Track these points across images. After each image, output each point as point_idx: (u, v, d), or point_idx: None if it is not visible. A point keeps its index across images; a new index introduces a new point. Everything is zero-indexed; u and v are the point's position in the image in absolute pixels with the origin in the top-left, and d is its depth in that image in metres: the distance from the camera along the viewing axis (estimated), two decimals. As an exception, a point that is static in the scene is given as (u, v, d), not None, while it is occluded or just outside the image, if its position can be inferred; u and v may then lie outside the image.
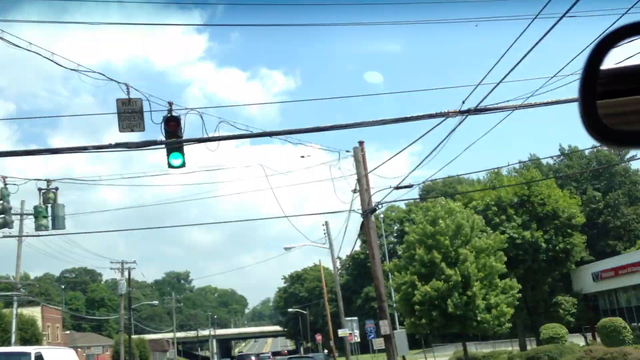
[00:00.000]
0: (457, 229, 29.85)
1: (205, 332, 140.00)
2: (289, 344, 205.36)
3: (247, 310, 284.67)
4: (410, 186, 22.21)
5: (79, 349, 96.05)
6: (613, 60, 1.69)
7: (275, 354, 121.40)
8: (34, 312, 58.64)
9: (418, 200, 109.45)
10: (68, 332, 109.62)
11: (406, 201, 68.19)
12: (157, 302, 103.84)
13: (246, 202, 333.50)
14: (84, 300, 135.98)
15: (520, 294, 32.31)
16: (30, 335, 49.18)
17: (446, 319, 30.21)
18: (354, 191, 24.34)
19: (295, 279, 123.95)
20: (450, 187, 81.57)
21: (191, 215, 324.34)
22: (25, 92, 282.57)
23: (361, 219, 25.39)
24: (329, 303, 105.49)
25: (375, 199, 23.61)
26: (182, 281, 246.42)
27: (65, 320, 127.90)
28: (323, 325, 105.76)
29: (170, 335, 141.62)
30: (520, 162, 59.39)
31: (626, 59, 1.72)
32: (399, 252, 33.97)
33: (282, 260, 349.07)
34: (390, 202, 22.14)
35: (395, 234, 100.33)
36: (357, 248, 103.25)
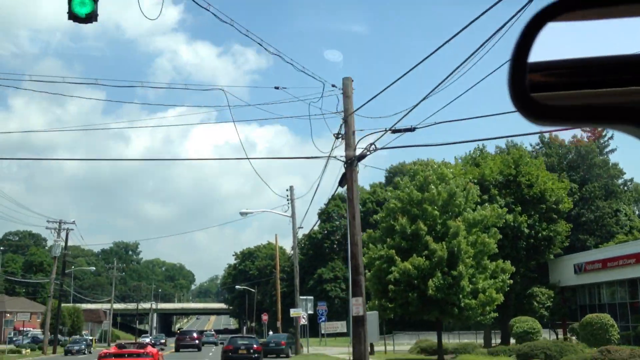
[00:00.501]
0: (449, 198, 25.05)
1: (147, 305, 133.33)
2: (232, 323, 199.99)
3: (193, 287, 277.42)
4: (411, 129, 17.17)
5: (7, 314, 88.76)
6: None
7: (219, 332, 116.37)
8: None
9: (384, 182, 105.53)
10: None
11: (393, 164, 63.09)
12: (94, 268, 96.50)
13: (206, 175, 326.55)
14: (21, 264, 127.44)
15: (508, 281, 27.66)
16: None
17: (424, 302, 25.49)
18: (337, 135, 19.23)
19: (247, 256, 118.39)
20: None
21: (148, 187, 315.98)
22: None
23: (335, 181, 20.30)
24: (282, 282, 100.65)
25: (360, 146, 18.57)
26: (130, 252, 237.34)
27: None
28: (271, 305, 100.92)
29: (108, 305, 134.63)
30: (506, 137, 55.06)
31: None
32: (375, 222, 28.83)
33: (235, 240, 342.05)
34: (382, 148, 16.94)
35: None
36: (316, 228, 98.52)
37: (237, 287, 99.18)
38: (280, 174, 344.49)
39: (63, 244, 60.33)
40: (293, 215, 39.42)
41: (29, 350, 59.56)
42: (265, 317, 73.20)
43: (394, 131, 17.48)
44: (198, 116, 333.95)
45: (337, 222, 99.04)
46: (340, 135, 19.37)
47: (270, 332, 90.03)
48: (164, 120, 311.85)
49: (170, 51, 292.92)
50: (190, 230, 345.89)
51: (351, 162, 18.31)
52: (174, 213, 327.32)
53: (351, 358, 24.11)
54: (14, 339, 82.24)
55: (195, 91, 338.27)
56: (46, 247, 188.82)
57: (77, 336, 67.79)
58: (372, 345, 24.94)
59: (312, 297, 42.32)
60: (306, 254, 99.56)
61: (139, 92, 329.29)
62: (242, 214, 38.36)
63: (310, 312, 41.25)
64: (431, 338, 41.46)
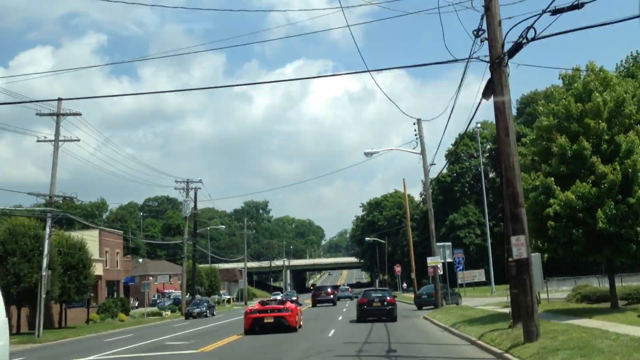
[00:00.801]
0: (616, 108, 20.00)
1: (280, 263, 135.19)
2: (364, 277, 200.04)
3: (323, 242, 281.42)
4: (578, 5, 12.63)
5: (150, 277, 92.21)
6: None
7: (351, 286, 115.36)
8: (90, 236, 52.83)
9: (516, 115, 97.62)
10: (140, 259, 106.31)
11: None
12: (224, 226, 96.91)
13: (327, 128, 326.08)
14: (160, 227, 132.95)
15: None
16: (77, 260, 43.01)
17: (592, 240, 20.87)
18: (477, 32, 15.00)
19: (374, 206, 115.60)
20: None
21: (273, 145, 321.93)
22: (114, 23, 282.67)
23: (474, 103, 16.09)
24: (412, 232, 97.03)
25: (509, 41, 14.24)
26: (260, 211, 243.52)
27: (141, 248, 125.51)
28: (402, 257, 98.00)
29: (243, 265, 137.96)
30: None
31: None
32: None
33: (360, 193, 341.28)
34: (541, 37, 12.41)
35: (487, 155, 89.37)
36: (444, 171, 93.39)
37: (366, 239, 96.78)
38: (401, 120, 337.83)
39: (192, 203, 60.19)
40: (423, 152, 35.37)
41: (169, 312, 60.58)
42: (397, 268, 70.06)
43: (555, 12, 12.98)
44: (315, 68, 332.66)
45: (467, 163, 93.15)
46: (480, 32, 15.09)
47: (404, 284, 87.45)
48: (282, 76, 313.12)
49: (283, 3, 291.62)
50: (317, 187, 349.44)
51: (499, 61, 14.08)
52: (300, 169, 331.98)
53: (509, 310, 20.12)
54: (158, 301, 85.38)
55: (312, 43, 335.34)
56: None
57: (199, 296, 63.60)
58: (538, 295, 20.64)
59: (449, 244, 38.27)
60: (435, 200, 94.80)
61: (256, 50, 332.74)
62: (366, 154, 34.88)
63: (449, 259, 37.29)
64: (590, 283, 36.19)
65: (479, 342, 17.46)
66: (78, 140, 36.51)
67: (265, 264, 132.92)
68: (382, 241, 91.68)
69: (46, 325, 43.50)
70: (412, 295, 66.21)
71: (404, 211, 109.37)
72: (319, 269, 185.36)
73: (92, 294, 53.60)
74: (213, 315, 51.17)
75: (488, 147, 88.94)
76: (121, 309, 53.35)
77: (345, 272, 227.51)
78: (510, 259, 18.09)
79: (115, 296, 57.59)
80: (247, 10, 31.90)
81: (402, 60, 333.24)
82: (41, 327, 33.26)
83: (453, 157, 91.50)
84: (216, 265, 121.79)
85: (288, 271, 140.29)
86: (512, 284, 17.69)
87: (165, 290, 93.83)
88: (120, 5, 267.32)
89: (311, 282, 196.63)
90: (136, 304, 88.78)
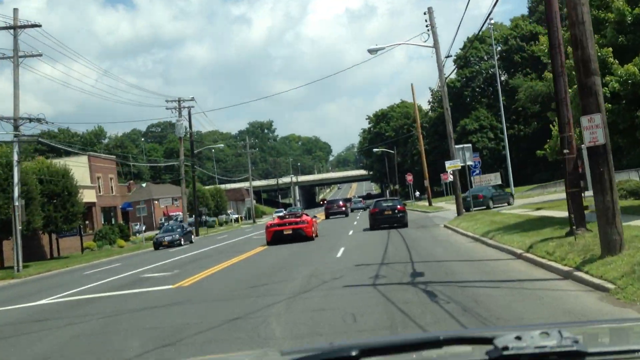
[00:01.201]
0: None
1: (288, 180, 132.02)
2: (374, 188, 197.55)
3: (331, 158, 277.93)
4: None
5: (156, 201, 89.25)
6: None
7: (362, 197, 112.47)
8: (78, 163, 48.97)
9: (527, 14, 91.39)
10: (144, 184, 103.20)
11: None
12: (222, 145, 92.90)
13: (329, 46, 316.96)
14: (162, 152, 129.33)
15: None
16: (61, 187, 39.23)
17: (655, 123, 16.63)
18: None
19: (381, 118, 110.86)
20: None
21: (275, 66, 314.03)
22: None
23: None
24: (418, 142, 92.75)
25: None
26: (265, 131, 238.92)
27: (144, 173, 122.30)
28: (412, 166, 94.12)
29: (254, 183, 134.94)
30: None
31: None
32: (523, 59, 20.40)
33: (366, 109, 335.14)
34: None
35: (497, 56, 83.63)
36: (453, 76, 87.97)
37: (374, 150, 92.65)
38: (405, 34, 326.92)
39: (187, 123, 55.88)
40: (435, 44, 30.55)
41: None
42: (409, 177, 66.21)
43: None
44: None
45: (477, 67, 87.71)
46: None
47: (417, 193, 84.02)
48: None
49: None
50: (322, 105, 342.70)
51: None
52: (303, 89, 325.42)
53: (572, 216, 16.11)
54: (165, 224, 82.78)
55: None
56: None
57: (172, 221, 56.71)
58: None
59: (469, 145, 33.99)
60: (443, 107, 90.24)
61: None
62: (370, 51, 30.09)
63: (470, 162, 33.17)
64: (630, 177, 32.19)
65: (529, 255, 13.52)
66: (40, 55, 31.77)
67: (273, 181, 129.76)
68: (391, 151, 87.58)
69: (37, 257, 40.41)
70: (426, 203, 62.78)
71: (413, 119, 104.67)
72: (328, 183, 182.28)
73: (86, 222, 50.36)
74: (191, 242, 40.78)
75: (499, 48, 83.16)
76: (119, 235, 50.19)
77: (354, 185, 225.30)
78: (565, 151, 13.92)
79: (113, 222, 54.35)
80: None
81: None
82: (20, 261, 29.83)
83: (462, 61, 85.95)
84: (223, 185, 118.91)
85: (296, 187, 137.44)
86: (570, 181, 13.56)
87: (171, 213, 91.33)
88: None
89: (321, 196, 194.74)
90: (143, 228, 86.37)
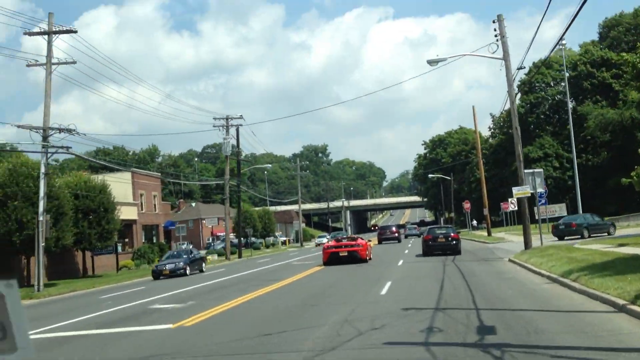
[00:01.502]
0: None
1: (339, 204, 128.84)
2: (428, 215, 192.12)
3: (385, 184, 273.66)
4: None
5: (203, 221, 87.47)
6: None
7: (418, 224, 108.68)
8: (120, 179, 47.17)
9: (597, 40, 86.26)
10: (194, 203, 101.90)
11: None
12: (270, 165, 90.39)
13: (387, 72, 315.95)
14: (213, 172, 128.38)
15: None
16: (97, 203, 37.17)
17: None
18: None
19: (437, 143, 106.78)
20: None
21: (333, 92, 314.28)
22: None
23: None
24: (476, 169, 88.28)
25: None
26: (319, 154, 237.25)
27: (195, 192, 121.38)
28: (469, 193, 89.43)
29: (304, 206, 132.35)
30: None
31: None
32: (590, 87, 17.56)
33: (422, 137, 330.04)
34: None
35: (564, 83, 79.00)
36: (517, 101, 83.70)
37: (429, 175, 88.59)
38: (464, 64, 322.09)
39: (234, 141, 53.55)
40: (505, 55, 26.89)
41: (215, 256, 55.24)
42: (467, 205, 62.03)
43: None
44: (376, 14, 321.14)
45: (542, 93, 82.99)
46: None
47: (474, 222, 79.38)
48: (342, 24, 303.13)
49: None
50: (378, 131, 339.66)
51: None
52: (360, 115, 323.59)
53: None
54: (212, 244, 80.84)
55: None
56: (252, 161, 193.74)
57: (183, 246, 51.38)
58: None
59: (541, 170, 29.90)
60: (506, 133, 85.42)
61: (315, 0, 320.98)
62: (430, 62, 26.76)
63: (540, 189, 29.16)
64: None
65: (636, 308, 9.90)
66: (74, 62, 29.80)
67: (324, 205, 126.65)
68: (447, 177, 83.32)
69: (70, 274, 38.36)
70: (484, 233, 58.47)
71: (471, 146, 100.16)
72: (381, 209, 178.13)
73: (125, 240, 48.35)
74: (201, 271, 34.76)
75: (567, 74, 78.62)
76: (159, 254, 47.88)
77: (408, 211, 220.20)
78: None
79: (154, 241, 52.24)
80: None
81: (465, 3, 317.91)
82: (40, 280, 27.54)
83: (526, 86, 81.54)
84: (273, 207, 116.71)
85: (348, 211, 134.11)
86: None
87: (218, 234, 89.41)
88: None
89: (373, 222, 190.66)
90: (183, 247, 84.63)
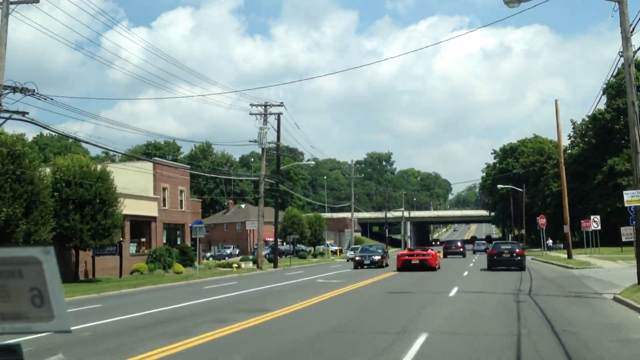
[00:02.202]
0: None
1: (399, 214, 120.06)
2: (495, 232, 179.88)
3: (450, 197, 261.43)
4: None
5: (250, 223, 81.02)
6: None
7: (485, 240, 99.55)
8: (140, 169, 41.01)
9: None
10: (243, 205, 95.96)
11: None
12: (313, 162, 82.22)
13: (460, 85, 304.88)
14: (268, 173, 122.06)
15: None
16: (92, 194, 30.73)
17: None
18: None
19: (509, 152, 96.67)
20: None
21: (402, 102, 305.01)
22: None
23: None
24: (557, 181, 78.21)
25: None
26: (383, 163, 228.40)
27: (248, 192, 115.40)
28: (543, 209, 79.44)
29: (362, 214, 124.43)
30: None
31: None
32: None
33: (494, 148, 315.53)
34: None
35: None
36: (601, 106, 73.29)
37: (499, 186, 79.00)
38: (539, 77, 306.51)
39: (274, 132, 46.36)
40: None
41: (249, 264, 48.54)
42: (542, 220, 52.91)
43: None
44: (450, 24, 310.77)
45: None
46: None
47: (550, 241, 69.53)
48: (415, 33, 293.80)
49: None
50: (447, 143, 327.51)
51: None
52: (429, 126, 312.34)
53: None
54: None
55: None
56: (301, 160, 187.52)
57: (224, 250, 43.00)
58: None
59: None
60: (588, 143, 75.14)
61: (388, 6, 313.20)
62: (508, 2, 18.70)
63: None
64: None
65: None
66: (37, 1, 23.23)
67: (379, 214, 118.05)
68: (519, 189, 73.67)
69: (65, 278, 32.01)
70: (561, 255, 49.28)
71: (547, 156, 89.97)
72: (444, 221, 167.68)
73: (142, 240, 42.03)
74: None
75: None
76: (179, 258, 41.32)
77: (473, 226, 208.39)
78: None
79: (178, 242, 45.76)
80: None
81: (543, 15, 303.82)
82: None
83: (613, 89, 71.15)
84: (329, 214, 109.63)
85: (408, 223, 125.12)
86: None
87: (267, 238, 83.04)
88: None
89: (435, 235, 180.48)
90: (236, 252, 78.65)
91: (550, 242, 66.28)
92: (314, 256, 72.60)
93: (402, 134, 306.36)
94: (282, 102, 44.66)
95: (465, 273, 30.62)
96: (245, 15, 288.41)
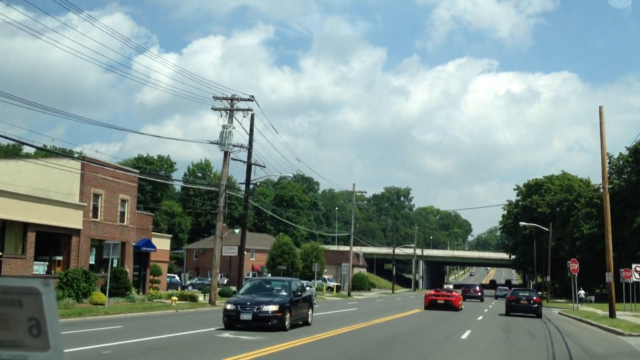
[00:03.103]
0: None
1: (410, 251, 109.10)
2: (515, 278, 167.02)
3: (470, 238, 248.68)
4: None
5: (246, 252, 71.32)
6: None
7: (506, 286, 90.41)
8: (64, 167, 31.80)
9: None
10: (237, 230, 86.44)
11: None
12: (291, 175, 72.53)
13: (485, 127, 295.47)
14: (272, 198, 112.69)
15: None
16: None
17: None
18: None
19: (533, 189, 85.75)
20: None
21: (427, 140, 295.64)
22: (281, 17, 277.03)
23: None
24: (589, 222, 67.20)
25: None
26: (402, 198, 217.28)
27: (251, 219, 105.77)
28: (571, 254, 68.45)
29: (369, 249, 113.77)
30: None
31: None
32: None
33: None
34: None
35: None
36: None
37: (521, 224, 68.01)
38: (566, 124, 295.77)
39: (242, 134, 36.76)
40: None
41: (198, 296, 38.72)
42: (574, 265, 42.20)
43: None
44: (479, 66, 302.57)
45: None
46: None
47: (582, 292, 58.29)
48: (443, 73, 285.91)
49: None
50: (470, 185, 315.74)
51: None
52: (452, 166, 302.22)
53: None
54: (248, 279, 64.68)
55: (475, 41, 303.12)
56: (318, 192, 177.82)
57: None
58: None
59: None
60: (627, 180, 64.21)
61: (418, 46, 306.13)
62: None
63: None
64: None
65: None
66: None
67: (399, 252, 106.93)
68: (545, 228, 62.81)
69: None
70: (594, 310, 38.47)
71: (577, 194, 79.08)
72: (460, 263, 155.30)
73: (55, 258, 32.54)
74: None
75: None
76: (113, 284, 31.50)
77: (492, 271, 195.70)
78: None
79: (114, 264, 36.02)
80: None
81: (573, 63, 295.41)
82: None
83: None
84: (328, 246, 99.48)
85: (421, 262, 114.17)
86: None
87: (258, 269, 73.38)
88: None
89: (451, 278, 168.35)
90: (224, 281, 68.86)
91: (582, 293, 55.24)
92: (304, 292, 62.31)
93: (424, 172, 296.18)
94: (252, 96, 34.97)
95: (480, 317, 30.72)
96: (274, 45, 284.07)
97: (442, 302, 35.19)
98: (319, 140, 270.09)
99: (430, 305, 35.09)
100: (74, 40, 70.51)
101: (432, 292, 39.51)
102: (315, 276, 66.36)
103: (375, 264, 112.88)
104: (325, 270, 73.01)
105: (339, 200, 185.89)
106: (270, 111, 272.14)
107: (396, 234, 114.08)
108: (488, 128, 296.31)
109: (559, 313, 40.28)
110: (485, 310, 39.08)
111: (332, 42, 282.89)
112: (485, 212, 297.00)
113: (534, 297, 33.77)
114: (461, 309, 35.69)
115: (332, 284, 73.04)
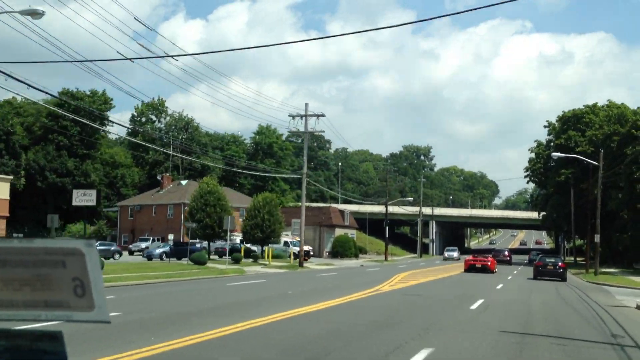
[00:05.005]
0: None
1: (426, 210, 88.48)
2: (547, 241, 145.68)
3: (497, 200, 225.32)
4: None
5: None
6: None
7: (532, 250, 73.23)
8: None
9: None
10: (184, 181, 67.10)
11: None
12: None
13: (517, 90, 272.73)
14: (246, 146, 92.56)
15: None
16: None
17: None
18: None
19: (571, 122, 63.60)
20: None
21: (457, 104, 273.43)
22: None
23: None
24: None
25: None
26: (422, 157, 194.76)
27: (214, 169, 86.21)
28: (624, 204, 47.22)
29: (363, 208, 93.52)
30: None
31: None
32: None
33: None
34: None
35: None
36: None
37: (553, 155, 45.79)
38: (601, 87, 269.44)
39: None
40: None
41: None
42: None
43: None
44: (512, 27, 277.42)
45: None
46: None
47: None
48: (474, 35, 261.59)
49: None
50: (501, 149, 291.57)
51: None
52: (483, 131, 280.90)
53: None
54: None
55: (508, 2, 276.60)
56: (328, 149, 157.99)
57: None
58: None
59: None
60: None
61: (448, 7, 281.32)
62: None
63: None
64: None
65: None
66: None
67: (402, 209, 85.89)
68: (594, 162, 41.45)
69: None
70: None
71: (632, 124, 57.07)
72: (480, 224, 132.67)
73: None
74: None
75: None
76: None
77: (521, 234, 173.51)
78: None
79: None
80: None
81: (609, 23, 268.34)
82: None
83: None
84: (308, 203, 79.41)
85: (432, 223, 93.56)
86: None
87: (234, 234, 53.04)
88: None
89: (473, 242, 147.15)
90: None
91: None
92: (236, 261, 41.92)
93: (454, 137, 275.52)
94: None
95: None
96: (301, 11, 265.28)
97: (480, 265, 39.77)
98: (347, 106, 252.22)
99: (469, 268, 39.52)
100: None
101: (471, 257, 43.71)
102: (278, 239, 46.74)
103: (366, 224, 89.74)
104: (287, 234, 53.13)
105: (354, 159, 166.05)
106: (299, 77, 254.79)
107: (427, 201, 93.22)
108: (520, 91, 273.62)
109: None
110: (515, 272, 42.69)
111: (359, 5, 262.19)
112: (514, 178, 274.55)
113: (560, 263, 35.86)
114: (495, 271, 39.75)
115: (297, 248, 53.10)
